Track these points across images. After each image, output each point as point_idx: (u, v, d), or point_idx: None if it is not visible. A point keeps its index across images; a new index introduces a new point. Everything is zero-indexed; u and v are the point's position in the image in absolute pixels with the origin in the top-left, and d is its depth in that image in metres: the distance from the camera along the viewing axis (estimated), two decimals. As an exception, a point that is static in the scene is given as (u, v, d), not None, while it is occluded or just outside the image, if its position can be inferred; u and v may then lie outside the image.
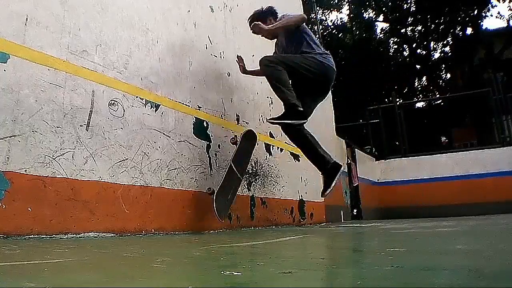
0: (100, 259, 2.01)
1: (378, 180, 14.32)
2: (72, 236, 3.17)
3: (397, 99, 17.78)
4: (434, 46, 28.79)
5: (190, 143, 4.65)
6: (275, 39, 5.19)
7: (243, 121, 5.81)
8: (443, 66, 28.74)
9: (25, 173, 2.93)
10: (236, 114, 5.69)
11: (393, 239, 3.39)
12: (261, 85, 6.46)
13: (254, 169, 5.92)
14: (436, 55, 29.09)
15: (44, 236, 2.97)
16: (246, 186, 5.65)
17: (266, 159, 6.33)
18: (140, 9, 4.26)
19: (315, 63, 4.69)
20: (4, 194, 2.77)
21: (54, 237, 3.02)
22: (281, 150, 6.89)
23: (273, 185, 6.43)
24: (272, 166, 6.48)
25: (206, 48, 5.26)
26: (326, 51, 4.87)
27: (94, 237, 3.33)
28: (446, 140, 25.63)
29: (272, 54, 5.14)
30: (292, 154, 7.29)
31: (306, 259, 2.02)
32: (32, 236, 2.88)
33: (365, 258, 2.07)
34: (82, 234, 3.26)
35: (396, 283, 1.23)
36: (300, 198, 7.34)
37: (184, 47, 4.77)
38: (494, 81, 15.23)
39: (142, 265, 1.74)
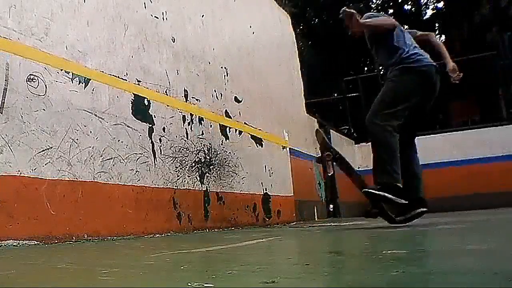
0: (30, 272, 2.07)
1: (358, 167, 14.44)
2: (-14, 244, 3.22)
3: (381, 67, 17.93)
4: (425, 1, 29.13)
5: (128, 126, 4.73)
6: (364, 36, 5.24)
7: (192, 97, 5.91)
8: (437, 25, 29.12)
9: None
10: (184, 89, 5.78)
11: (386, 239, 3.51)
12: (214, 52, 6.56)
13: (208, 158, 6.03)
14: (428, 12, 29.44)
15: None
16: (199, 179, 5.76)
17: (221, 144, 6.44)
18: (61, -41, 4.28)
19: (412, 78, 4.77)
20: None
21: (-38, 246, 3.07)
22: (240, 133, 7.01)
23: (231, 176, 6.55)
24: (230, 153, 6.59)
25: (145, 7, 5.32)
26: (413, 50, 4.91)
27: (14, 245, 3.39)
28: (442, 117, 26.00)
29: None
30: (253, 137, 7.40)
31: (288, 265, 2.10)
32: None
33: (361, 262, 2.15)
34: (-1, 242, 3.31)
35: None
36: (265, 192, 7.50)
37: (118, 6, 4.82)
38: (500, 42, 15.14)
39: (86, 279, 1.82)
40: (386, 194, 4.51)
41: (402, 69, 4.75)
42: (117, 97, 4.64)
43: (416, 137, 5.10)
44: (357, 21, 4.62)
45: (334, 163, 5.45)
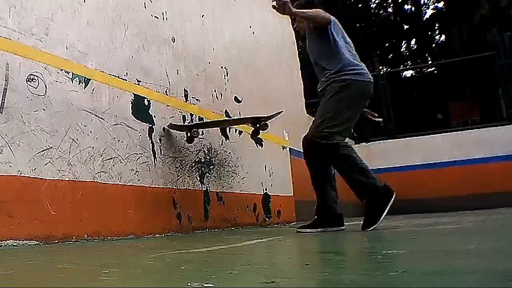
0: (30, 272, 2.07)
1: (359, 167, 14.34)
2: (-15, 244, 3.23)
3: (381, 67, 17.88)
4: (425, 1, 29.15)
5: (128, 126, 4.74)
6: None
7: (192, 97, 5.92)
8: (437, 25, 29.15)
9: None
10: (184, 89, 5.79)
11: (386, 239, 3.54)
12: (214, 52, 6.56)
13: (208, 158, 6.03)
14: (428, 12, 29.48)
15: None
16: (199, 179, 5.77)
17: (221, 144, 6.45)
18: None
19: (354, 91, 4.65)
20: None
21: (-38, 246, 3.07)
22: (240, 133, 7.01)
23: (231, 176, 6.56)
24: (230, 153, 6.60)
25: (145, 7, 5.33)
26: (354, 57, 4.80)
27: (14, 245, 3.40)
28: (442, 117, 26.03)
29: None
30: (253, 137, 7.39)
31: (288, 265, 2.12)
32: None
33: (361, 263, 2.16)
34: (-1, 242, 3.32)
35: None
36: (265, 192, 7.51)
37: (118, 7, 4.82)
38: (500, 42, 15.11)
39: (86, 278, 1.82)
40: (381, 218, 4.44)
41: (343, 85, 4.61)
42: (117, 97, 4.65)
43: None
44: (290, 9, 4.35)
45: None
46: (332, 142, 4.52)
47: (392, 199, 4.45)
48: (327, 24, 4.62)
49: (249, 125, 5.91)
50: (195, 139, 5.68)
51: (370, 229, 4.40)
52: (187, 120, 5.68)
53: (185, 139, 5.55)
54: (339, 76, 4.63)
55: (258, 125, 5.70)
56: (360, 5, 29.91)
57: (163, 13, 5.61)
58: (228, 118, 6.60)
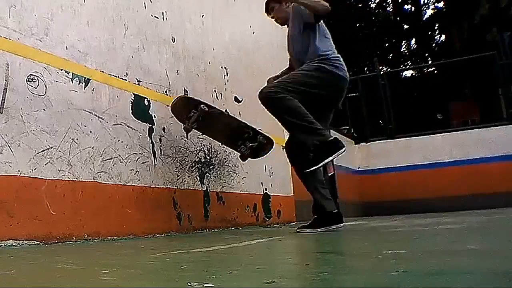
0: (31, 272, 2.08)
1: (358, 168, 14.39)
2: (-15, 244, 3.23)
3: (381, 67, 17.86)
4: (425, 1, 29.18)
5: (128, 126, 4.74)
6: (286, 25, 5.14)
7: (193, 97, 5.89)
8: (437, 25, 29.18)
9: None
10: (184, 89, 5.79)
11: (386, 239, 3.53)
12: (214, 52, 6.56)
13: (208, 158, 6.04)
14: (428, 12, 29.50)
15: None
16: (199, 179, 5.77)
17: (221, 144, 6.43)
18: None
19: (325, 76, 4.64)
20: None
21: (-37, 246, 3.07)
22: (240, 133, 7.00)
23: (231, 176, 6.56)
24: (230, 153, 6.59)
25: (145, 7, 5.33)
26: (338, 55, 4.80)
27: (14, 245, 3.40)
28: (442, 117, 26.05)
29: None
30: (253, 137, 7.38)
31: (287, 265, 2.12)
32: None
33: (361, 263, 2.14)
34: (-2, 242, 3.32)
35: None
36: (265, 192, 7.51)
37: (118, 6, 4.82)
38: (500, 42, 15.11)
39: (86, 279, 1.82)
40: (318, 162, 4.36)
41: (316, 68, 4.60)
42: (117, 97, 4.66)
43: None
44: None
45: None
46: (276, 96, 4.47)
47: (339, 152, 4.44)
48: (327, 12, 4.61)
49: (238, 149, 5.87)
50: (195, 139, 5.68)
51: (308, 170, 4.39)
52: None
53: (185, 138, 5.55)
54: (316, 62, 4.62)
55: (247, 147, 5.76)
56: (360, 5, 29.94)
57: (163, 13, 5.61)
58: (234, 117, 6.56)
